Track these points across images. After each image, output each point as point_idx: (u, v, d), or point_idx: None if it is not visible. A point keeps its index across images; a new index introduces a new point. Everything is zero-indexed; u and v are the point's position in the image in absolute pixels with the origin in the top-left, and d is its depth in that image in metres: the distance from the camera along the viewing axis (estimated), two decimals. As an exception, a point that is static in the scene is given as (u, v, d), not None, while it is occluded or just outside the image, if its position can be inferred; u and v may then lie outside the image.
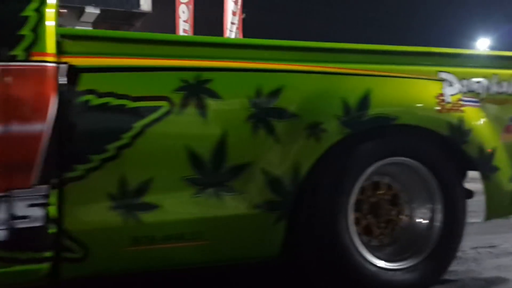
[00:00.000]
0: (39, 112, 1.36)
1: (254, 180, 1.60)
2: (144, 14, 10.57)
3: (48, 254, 1.41)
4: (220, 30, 11.87)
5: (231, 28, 12.07)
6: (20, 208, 1.36)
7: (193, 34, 11.00)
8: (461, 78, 1.88)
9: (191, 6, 11.72)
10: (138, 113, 1.48)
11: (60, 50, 1.41)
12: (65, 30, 1.43)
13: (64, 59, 1.41)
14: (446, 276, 1.89)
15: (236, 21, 12.10)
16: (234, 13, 12.07)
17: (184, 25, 11.79)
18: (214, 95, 1.55)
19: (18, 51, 1.35)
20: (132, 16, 10.36)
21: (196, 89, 1.54)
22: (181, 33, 11.56)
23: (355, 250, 1.71)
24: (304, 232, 1.68)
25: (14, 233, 1.36)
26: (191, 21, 11.68)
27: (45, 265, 1.41)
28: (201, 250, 1.58)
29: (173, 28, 11.62)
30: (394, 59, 1.83)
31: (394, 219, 1.87)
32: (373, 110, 1.70)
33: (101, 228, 1.46)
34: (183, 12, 11.68)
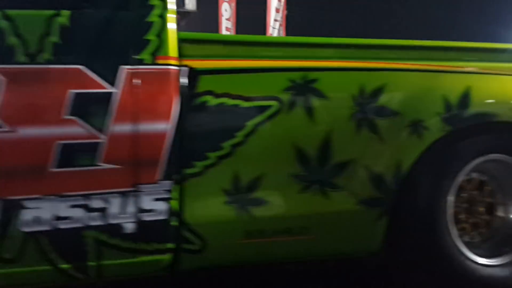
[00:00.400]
0: (164, 113, 1.49)
1: (357, 177, 1.68)
2: (189, 13, 10.78)
3: (170, 245, 1.54)
4: (263, 28, 11.97)
5: (274, 25, 12.14)
6: (147, 202, 1.49)
7: (235, 33, 11.15)
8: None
9: (233, 4, 11.87)
10: (251, 113, 1.59)
11: (181, 54, 1.54)
12: (184, 35, 1.56)
13: (184, 62, 1.54)
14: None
15: (279, 18, 12.16)
16: (277, 10, 12.14)
17: (226, 23, 11.96)
18: (320, 94, 1.65)
19: (145, 55, 1.48)
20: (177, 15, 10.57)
21: (303, 89, 1.64)
22: (223, 31, 11.74)
23: (455, 247, 1.76)
24: (405, 228, 1.75)
25: (141, 225, 1.50)
26: (233, 19, 11.84)
27: (167, 256, 1.54)
28: (307, 245, 1.67)
29: (215, 26, 11.83)
30: (492, 57, 1.87)
31: (491, 216, 1.91)
32: (473, 108, 1.76)
33: (217, 222, 1.58)
34: (226, 10, 11.83)
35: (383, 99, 1.70)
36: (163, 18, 1.52)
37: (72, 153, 1.43)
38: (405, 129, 1.71)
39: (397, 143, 1.71)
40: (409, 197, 1.74)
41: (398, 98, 1.72)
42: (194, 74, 1.55)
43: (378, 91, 1.70)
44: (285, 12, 12.24)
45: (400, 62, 1.74)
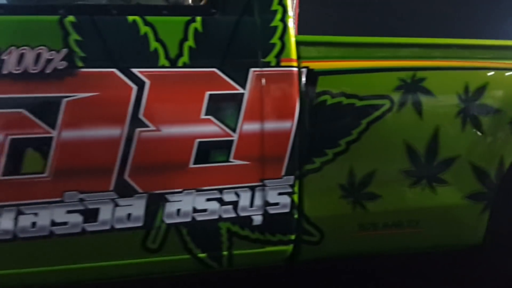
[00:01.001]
0: (288, 112, 1.66)
1: (463, 172, 1.84)
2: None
3: (292, 237, 1.71)
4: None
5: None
6: (272, 196, 1.67)
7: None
8: None
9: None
10: (365, 111, 1.75)
11: (300, 56, 1.70)
12: (301, 38, 1.72)
13: (304, 64, 1.71)
14: None
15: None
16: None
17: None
18: (428, 92, 1.81)
19: (271, 58, 1.66)
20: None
21: (412, 88, 1.80)
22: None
23: None
24: (507, 222, 1.90)
25: (267, 218, 1.67)
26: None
27: (289, 247, 1.72)
28: (416, 237, 1.84)
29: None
30: None
31: None
32: None
33: (334, 215, 1.75)
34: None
35: (486, 97, 1.85)
36: (284, 23, 1.68)
37: (209, 151, 1.60)
38: (507, 126, 1.86)
39: (499, 140, 1.86)
40: (510, 191, 1.88)
41: (500, 96, 1.87)
42: (312, 75, 1.71)
43: (481, 89, 1.85)
44: (298, 10, 12.37)
45: (502, 62, 1.89)
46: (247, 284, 2.17)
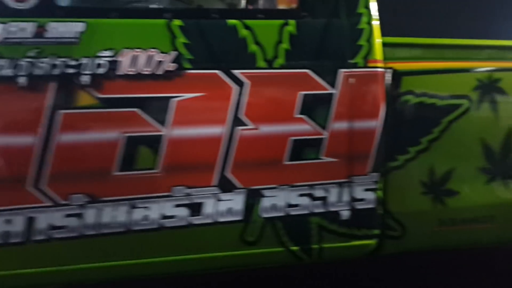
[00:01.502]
0: (375, 111, 1.81)
1: (536, 169, 1.98)
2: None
3: (376, 231, 1.86)
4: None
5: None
6: (359, 192, 1.82)
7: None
8: None
9: None
10: (445, 110, 1.90)
11: (384, 57, 1.84)
12: (385, 39, 1.86)
13: (388, 65, 1.85)
14: None
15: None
16: None
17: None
18: (503, 92, 1.95)
19: (358, 59, 1.80)
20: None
21: (489, 88, 1.94)
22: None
23: None
24: None
25: (354, 213, 1.83)
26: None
27: (373, 241, 1.87)
28: (491, 233, 1.99)
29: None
30: None
31: None
32: None
33: (415, 211, 1.90)
34: None
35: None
36: (370, 25, 1.83)
37: (301, 148, 1.75)
38: None
39: None
40: None
41: None
42: (396, 75, 1.86)
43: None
44: None
45: None
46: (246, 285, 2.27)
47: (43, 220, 1.55)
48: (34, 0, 1.58)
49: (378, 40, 1.86)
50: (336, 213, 1.83)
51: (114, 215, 1.61)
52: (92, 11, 1.62)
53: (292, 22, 1.77)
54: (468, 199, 1.97)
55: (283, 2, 1.97)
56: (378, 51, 1.85)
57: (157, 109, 1.63)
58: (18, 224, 1.53)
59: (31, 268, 1.57)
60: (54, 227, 1.57)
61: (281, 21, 1.77)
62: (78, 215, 1.59)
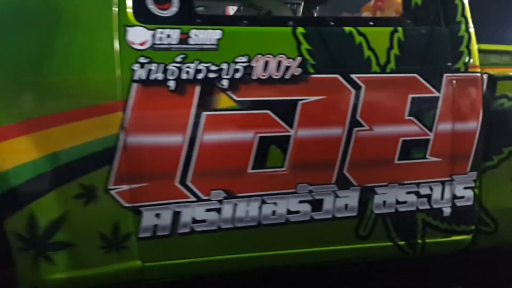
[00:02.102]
0: (474, 114, 2.04)
1: None
2: None
3: (472, 227, 2.09)
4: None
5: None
6: (459, 190, 2.04)
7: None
8: None
9: None
10: (535, 113, 2.12)
11: (481, 63, 2.06)
12: (482, 46, 2.08)
13: (485, 70, 2.06)
14: None
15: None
16: None
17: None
18: None
19: (460, 65, 2.02)
20: None
21: None
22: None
23: None
24: None
25: (454, 209, 2.05)
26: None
27: (469, 237, 2.10)
28: None
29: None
30: None
31: None
32: None
33: (507, 207, 2.11)
34: None
35: None
36: (468, 32, 2.04)
37: (410, 148, 1.97)
38: None
39: None
40: None
41: None
42: (492, 80, 2.07)
43: None
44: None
45: None
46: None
47: (187, 214, 1.75)
48: (175, 8, 1.76)
49: (475, 46, 2.08)
50: (439, 210, 2.05)
51: (247, 210, 1.81)
52: (227, 19, 1.81)
53: (400, 29, 1.98)
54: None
55: (390, 11, 2.17)
56: (476, 57, 2.06)
57: (286, 111, 1.83)
58: (166, 218, 1.73)
59: (175, 259, 1.76)
60: (196, 221, 1.77)
61: (391, 28, 1.97)
62: (217, 210, 1.78)
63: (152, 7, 1.76)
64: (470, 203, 2.10)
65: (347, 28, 1.94)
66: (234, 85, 1.78)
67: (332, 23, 1.95)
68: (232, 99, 1.78)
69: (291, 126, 1.84)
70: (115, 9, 1.70)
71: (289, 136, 1.84)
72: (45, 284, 1.63)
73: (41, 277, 1.62)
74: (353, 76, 1.91)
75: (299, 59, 1.85)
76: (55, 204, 1.62)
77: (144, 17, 1.74)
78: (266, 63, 1.82)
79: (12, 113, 1.59)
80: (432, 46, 2.04)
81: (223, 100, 1.77)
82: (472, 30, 2.09)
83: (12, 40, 1.64)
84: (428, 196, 2.04)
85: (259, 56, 1.81)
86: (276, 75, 1.82)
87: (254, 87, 1.80)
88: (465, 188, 2.09)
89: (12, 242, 1.59)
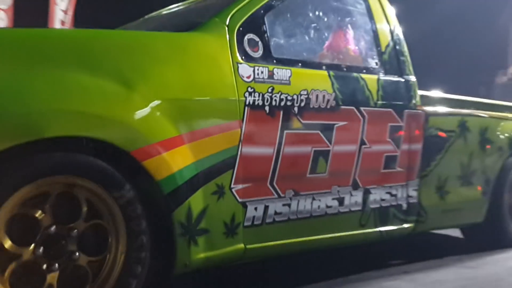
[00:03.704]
0: (419, 138, 3.05)
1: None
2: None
3: (415, 217, 3.07)
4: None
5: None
6: (410, 191, 3.02)
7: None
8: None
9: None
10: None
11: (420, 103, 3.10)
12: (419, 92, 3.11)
13: (422, 108, 3.10)
14: None
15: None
16: (62, 23, 12.44)
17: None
18: None
19: (412, 104, 3.01)
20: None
21: None
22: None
23: (509, 220, 3.66)
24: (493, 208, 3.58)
25: (408, 205, 3.01)
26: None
27: (413, 225, 3.07)
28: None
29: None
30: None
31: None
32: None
33: (433, 204, 3.16)
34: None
35: None
36: (414, 81, 3.06)
37: (389, 161, 2.87)
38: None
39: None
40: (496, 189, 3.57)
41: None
42: (426, 115, 3.12)
43: None
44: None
45: None
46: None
47: (272, 208, 2.35)
48: (261, 50, 2.38)
49: (418, 92, 3.09)
50: (401, 205, 2.97)
51: (304, 204, 2.48)
52: (293, 61, 2.49)
53: (381, 77, 2.88)
54: (455, 196, 3.31)
55: (337, 54, 3.05)
56: (419, 99, 3.07)
57: (327, 132, 2.56)
58: (260, 210, 2.30)
59: (263, 243, 2.34)
60: (277, 213, 2.37)
61: (377, 76, 2.86)
62: (288, 205, 2.42)
63: (248, 49, 2.34)
64: (416, 200, 3.06)
65: (355, 74, 2.77)
66: (300, 111, 2.45)
67: (345, 69, 2.76)
68: (300, 121, 2.44)
69: (330, 142, 2.57)
70: (229, 50, 2.26)
71: (329, 150, 2.57)
72: (192, 262, 2.05)
73: (190, 256, 2.04)
74: (361, 108, 2.74)
75: (334, 94, 2.61)
76: (201, 199, 2.07)
77: (245, 56, 2.32)
78: (317, 96, 2.53)
79: (177, 126, 2.02)
80: (398, 90, 2.98)
81: (295, 122, 2.43)
82: (415, 80, 3.10)
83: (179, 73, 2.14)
84: (395, 195, 2.94)
85: (313, 90, 2.52)
86: (322, 105, 2.55)
87: (311, 113, 2.50)
88: (413, 190, 3.04)
89: (176, 229, 2.00)
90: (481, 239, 3.67)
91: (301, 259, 3.15)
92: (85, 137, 1.78)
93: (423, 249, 3.59)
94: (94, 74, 1.89)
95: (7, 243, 1.72)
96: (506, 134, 3.68)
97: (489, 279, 2.82)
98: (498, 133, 3.62)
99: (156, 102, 1.99)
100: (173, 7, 3.30)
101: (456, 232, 3.93)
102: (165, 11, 3.32)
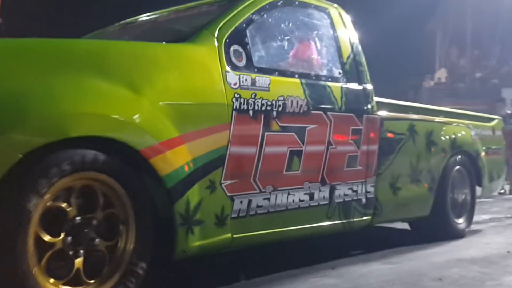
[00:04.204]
0: (376, 140, 3.43)
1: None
2: None
3: (372, 211, 3.45)
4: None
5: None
6: (368, 187, 3.40)
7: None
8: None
9: None
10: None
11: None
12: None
13: (377, 113, 3.49)
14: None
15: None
16: None
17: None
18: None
19: (369, 109, 3.39)
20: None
21: None
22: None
23: (451, 214, 4.14)
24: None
25: (366, 199, 3.39)
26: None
27: (370, 217, 3.45)
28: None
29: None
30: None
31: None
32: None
33: (387, 198, 3.56)
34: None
35: None
36: (371, 89, 3.45)
37: (351, 160, 3.23)
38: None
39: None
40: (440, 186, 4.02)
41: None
42: (381, 120, 3.51)
43: None
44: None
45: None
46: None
47: (254, 202, 2.64)
48: (244, 60, 2.67)
49: (374, 98, 3.47)
50: (360, 200, 3.34)
51: (281, 199, 2.79)
52: (272, 70, 2.79)
53: (344, 84, 3.24)
54: (405, 192, 3.72)
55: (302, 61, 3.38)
56: (375, 105, 3.46)
57: (300, 133, 2.88)
58: (244, 204, 2.59)
59: (247, 233, 2.62)
60: (258, 206, 2.67)
61: (341, 84, 3.21)
62: (268, 199, 2.72)
63: (234, 59, 2.63)
64: (373, 196, 3.43)
65: (322, 82, 3.11)
66: (278, 115, 2.76)
67: (314, 78, 3.09)
68: (278, 124, 2.75)
69: (303, 143, 2.89)
70: (218, 59, 2.54)
71: (302, 150, 2.89)
72: (188, 249, 2.30)
73: (188, 244, 2.30)
74: (328, 112, 3.08)
75: (305, 100, 2.93)
76: (197, 193, 2.33)
77: (231, 65, 2.60)
78: (292, 101, 2.85)
79: (177, 127, 2.27)
80: (358, 97, 3.34)
81: (274, 125, 2.73)
82: (371, 87, 3.49)
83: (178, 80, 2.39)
84: (356, 191, 3.30)
85: (288, 96, 2.83)
86: (296, 110, 2.87)
87: (287, 117, 2.81)
88: (371, 186, 3.41)
89: (177, 219, 2.25)
90: (427, 231, 4.11)
91: (227, 258, 3.24)
92: (105, 137, 2.02)
93: (350, 245, 3.82)
94: (109, 80, 2.12)
95: (45, 236, 1.93)
96: (448, 137, 4.14)
97: (411, 274, 2.94)
98: (441, 136, 4.08)
99: (160, 106, 2.24)
100: (149, 15, 3.55)
101: (383, 229, 4.35)
102: (143, 17, 3.56)
